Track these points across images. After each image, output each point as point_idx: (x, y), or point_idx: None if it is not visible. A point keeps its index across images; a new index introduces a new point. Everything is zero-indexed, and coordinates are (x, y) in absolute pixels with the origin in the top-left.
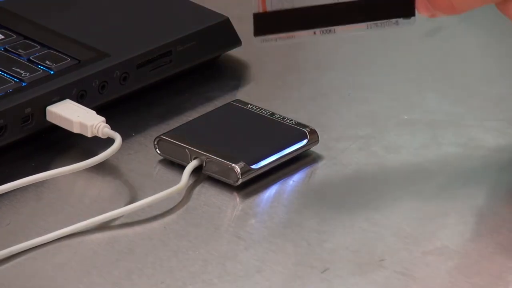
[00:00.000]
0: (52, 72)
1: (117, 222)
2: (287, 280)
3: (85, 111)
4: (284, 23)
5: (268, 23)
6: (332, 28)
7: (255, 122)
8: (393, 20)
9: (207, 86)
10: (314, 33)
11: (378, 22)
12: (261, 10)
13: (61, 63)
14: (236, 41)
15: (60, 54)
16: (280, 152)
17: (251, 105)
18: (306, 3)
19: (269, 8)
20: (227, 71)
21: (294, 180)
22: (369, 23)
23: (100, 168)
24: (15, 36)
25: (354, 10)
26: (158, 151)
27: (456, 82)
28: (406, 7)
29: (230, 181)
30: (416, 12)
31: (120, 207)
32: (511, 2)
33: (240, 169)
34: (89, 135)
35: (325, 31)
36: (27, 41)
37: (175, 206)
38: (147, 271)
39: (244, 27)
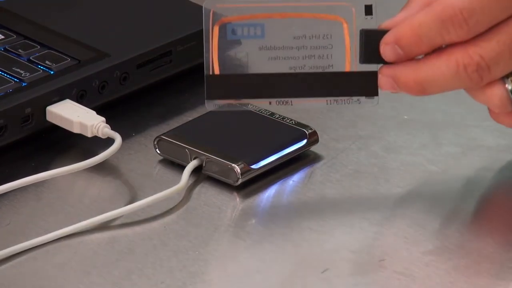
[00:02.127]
0: (52, 72)
1: (117, 222)
2: (287, 280)
3: (85, 111)
4: (237, 89)
5: (221, 87)
6: (288, 100)
7: (255, 122)
8: (355, 98)
9: None
10: (270, 102)
11: (339, 99)
12: (213, 72)
13: (61, 63)
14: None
15: (60, 54)
16: (280, 152)
17: (251, 105)
18: (261, 70)
19: (222, 71)
20: None
21: (294, 180)
22: (329, 98)
23: (100, 168)
24: (15, 36)
25: (314, 83)
26: (158, 151)
27: None
28: (369, 86)
29: (230, 181)
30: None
31: (120, 207)
32: (481, 90)
33: (240, 169)
34: (89, 135)
35: (281, 102)
36: (27, 41)
37: (175, 206)
38: (147, 271)
39: None
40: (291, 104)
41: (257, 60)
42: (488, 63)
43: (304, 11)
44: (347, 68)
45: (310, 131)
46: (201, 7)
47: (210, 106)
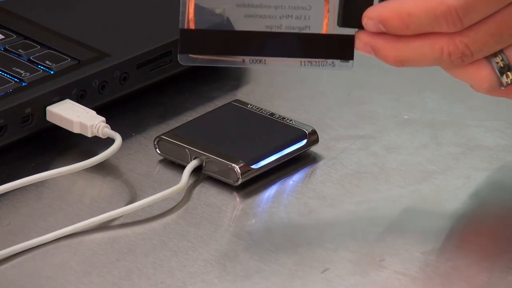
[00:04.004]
0: (52, 72)
1: (117, 222)
2: (287, 280)
3: (85, 111)
4: (211, 44)
5: (195, 42)
6: (262, 58)
7: (255, 122)
8: (330, 61)
9: (207, 86)
10: (243, 60)
11: (313, 60)
12: (188, 27)
13: (61, 63)
14: None
15: (60, 54)
16: (280, 152)
17: (251, 105)
18: (237, 27)
19: (197, 26)
20: (227, 71)
21: (294, 180)
22: (303, 59)
23: (100, 168)
24: (15, 36)
25: (289, 43)
26: (158, 151)
27: (456, 82)
28: (345, 49)
29: (230, 181)
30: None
31: (120, 207)
32: (463, 69)
33: (240, 169)
34: (89, 135)
35: (254, 61)
36: (27, 41)
37: (175, 206)
38: (147, 271)
39: None
40: (265, 63)
41: (234, 17)
42: (473, 51)
43: None
44: (324, 31)
45: (310, 131)
46: None
47: (183, 60)
